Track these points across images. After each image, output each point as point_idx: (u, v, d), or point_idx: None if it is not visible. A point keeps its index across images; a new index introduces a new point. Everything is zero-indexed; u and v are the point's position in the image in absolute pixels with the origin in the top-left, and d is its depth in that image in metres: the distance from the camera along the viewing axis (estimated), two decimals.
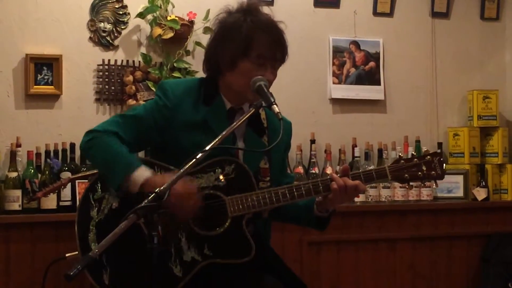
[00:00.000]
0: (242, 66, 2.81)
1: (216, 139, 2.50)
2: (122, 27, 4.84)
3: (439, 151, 2.94)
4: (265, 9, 2.98)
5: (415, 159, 2.83)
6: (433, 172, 2.83)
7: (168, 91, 2.87)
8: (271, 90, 2.74)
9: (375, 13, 5.39)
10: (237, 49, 2.80)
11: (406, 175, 2.82)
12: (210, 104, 2.87)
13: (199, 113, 2.85)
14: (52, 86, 4.66)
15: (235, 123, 2.60)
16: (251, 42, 2.80)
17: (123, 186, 2.71)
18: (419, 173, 2.82)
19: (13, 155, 4.43)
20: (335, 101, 5.28)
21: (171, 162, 2.68)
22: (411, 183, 2.85)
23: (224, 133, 2.53)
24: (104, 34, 4.79)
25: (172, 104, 2.84)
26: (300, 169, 4.87)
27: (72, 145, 4.55)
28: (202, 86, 2.91)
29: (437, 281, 5.01)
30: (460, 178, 5.25)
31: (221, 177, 2.79)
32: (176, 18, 4.80)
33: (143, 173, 2.69)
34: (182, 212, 2.67)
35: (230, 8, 2.91)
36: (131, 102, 4.76)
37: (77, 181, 4.35)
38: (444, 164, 2.85)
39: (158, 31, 4.77)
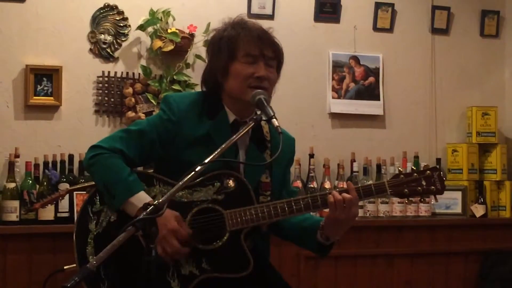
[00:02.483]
0: (233, 69, 2.82)
1: (215, 153, 2.50)
2: (123, 39, 4.84)
3: (437, 167, 2.91)
4: (265, 23, 3.00)
5: (415, 174, 2.80)
6: (432, 187, 2.80)
7: (172, 104, 2.86)
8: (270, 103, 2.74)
9: (375, 28, 5.40)
10: (225, 55, 2.83)
11: (406, 190, 2.79)
12: (213, 117, 2.87)
13: (203, 127, 2.84)
14: (52, 97, 4.66)
15: (233, 137, 2.58)
16: (236, 44, 2.83)
17: (121, 209, 2.73)
18: (419, 188, 2.79)
19: (11, 165, 4.43)
20: (334, 116, 5.28)
21: (175, 176, 2.64)
22: (410, 198, 2.83)
23: (223, 146, 2.52)
24: (104, 46, 4.79)
25: (177, 118, 2.84)
26: (299, 183, 4.87)
27: (71, 157, 4.55)
28: (205, 100, 2.91)
29: None
30: (458, 195, 5.25)
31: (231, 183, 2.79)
32: (177, 31, 4.80)
33: (140, 199, 2.69)
34: (164, 244, 2.66)
35: (217, 27, 2.95)
36: (131, 114, 4.76)
37: (75, 192, 4.34)
38: (444, 179, 2.83)
39: (158, 43, 4.77)
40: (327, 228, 2.82)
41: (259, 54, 2.82)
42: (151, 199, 2.71)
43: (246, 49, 2.82)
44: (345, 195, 2.74)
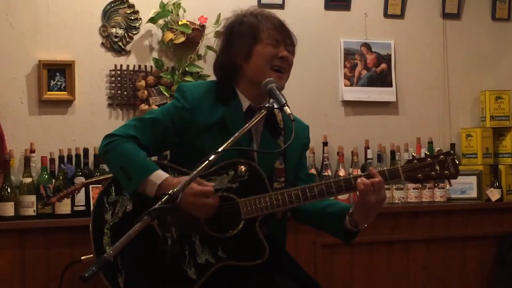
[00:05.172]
0: (257, 50, 2.88)
1: (229, 141, 2.52)
2: (134, 32, 4.86)
3: (451, 151, 2.91)
4: (276, 12, 3.05)
5: (428, 159, 2.80)
6: (446, 171, 2.80)
7: (186, 93, 2.89)
8: (282, 92, 2.76)
9: (386, 14, 5.39)
10: (248, 39, 2.89)
11: (420, 175, 2.80)
12: (227, 104, 2.89)
13: (216, 114, 2.87)
14: (65, 92, 4.69)
15: (247, 125, 2.61)
16: (259, 28, 2.89)
17: (139, 190, 2.73)
18: (433, 172, 2.79)
19: (27, 160, 4.46)
20: (347, 103, 5.28)
21: (190, 164, 2.65)
22: (424, 183, 2.83)
23: (236, 134, 2.54)
24: (116, 40, 4.81)
25: (191, 106, 2.87)
26: (313, 172, 4.87)
27: (86, 150, 4.57)
28: (219, 87, 2.94)
29: (450, 282, 5.00)
30: (473, 179, 5.24)
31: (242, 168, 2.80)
32: (188, 23, 4.81)
33: (159, 176, 2.71)
34: (198, 210, 2.69)
35: (232, 17, 2.99)
36: (144, 107, 4.78)
37: (91, 186, 4.36)
38: (458, 163, 2.83)
39: (169, 35, 4.79)
40: (357, 214, 2.83)
41: (281, 39, 2.90)
42: (168, 175, 2.73)
43: (270, 34, 2.89)
44: (373, 179, 2.75)
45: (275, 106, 2.70)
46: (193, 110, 2.87)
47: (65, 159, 4.54)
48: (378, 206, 2.80)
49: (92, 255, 2.88)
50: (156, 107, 4.72)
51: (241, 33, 2.91)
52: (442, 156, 2.82)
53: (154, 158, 3.05)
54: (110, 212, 2.83)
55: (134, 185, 2.73)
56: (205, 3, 4.96)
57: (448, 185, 2.90)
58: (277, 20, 2.95)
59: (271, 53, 2.86)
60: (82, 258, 3.85)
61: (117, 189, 2.84)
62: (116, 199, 2.84)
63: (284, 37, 2.91)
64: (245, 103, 2.91)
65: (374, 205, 2.78)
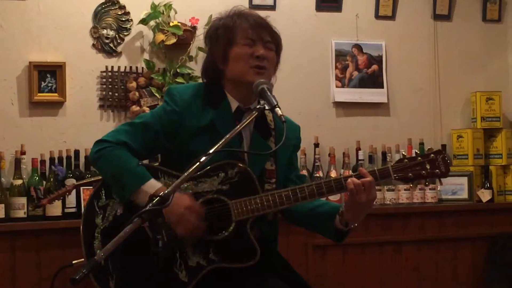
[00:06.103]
0: (233, 53, 2.87)
1: (219, 143, 2.51)
2: (125, 33, 4.85)
3: (441, 150, 2.90)
4: (267, 14, 3.04)
5: (419, 158, 2.80)
6: (437, 170, 2.80)
7: (176, 96, 2.89)
8: (274, 93, 2.76)
9: (377, 16, 5.40)
10: (224, 42, 2.88)
11: (410, 174, 2.79)
12: (216, 106, 2.89)
13: (206, 117, 2.87)
14: (56, 94, 4.68)
15: (237, 127, 2.60)
16: (234, 30, 2.88)
17: (131, 199, 2.73)
18: (423, 171, 2.79)
19: (17, 162, 4.45)
20: (339, 105, 5.28)
21: (181, 167, 2.62)
22: (415, 183, 2.83)
23: (227, 136, 2.54)
24: (107, 41, 4.80)
25: (180, 109, 2.86)
26: (304, 173, 4.87)
27: (77, 152, 4.56)
28: (208, 89, 2.94)
29: (442, 283, 5.01)
30: (464, 180, 5.25)
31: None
32: (179, 24, 4.81)
33: (152, 186, 2.70)
34: (182, 224, 2.67)
35: (213, 20, 3.02)
36: (135, 108, 4.77)
37: (81, 187, 4.36)
38: (448, 161, 2.83)
39: (161, 37, 4.78)
40: (347, 213, 2.83)
41: (257, 38, 2.87)
42: (161, 185, 2.72)
43: (246, 33, 2.87)
44: (363, 179, 2.75)
45: (266, 107, 2.69)
46: (183, 113, 2.86)
47: (56, 160, 4.53)
48: (368, 206, 2.80)
49: (83, 259, 2.87)
50: (147, 109, 4.72)
51: (218, 37, 2.91)
52: (432, 155, 2.82)
53: (146, 161, 3.04)
54: (101, 216, 2.82)
55: (126, 194, 2.73)
56: (196, 5, 4.96)
57: (439, 184, 2.88)
58: (253, 18, 2.92)
59: (247, 53, 2.85)
60: (73, 262, 3.83)
61: (107, 193, 2.82)
62: (106, 203, 2.82)
63: (260, 35, 2.88)
64: (234, 105, 2.91)
65: (364, 205, 2.77)
